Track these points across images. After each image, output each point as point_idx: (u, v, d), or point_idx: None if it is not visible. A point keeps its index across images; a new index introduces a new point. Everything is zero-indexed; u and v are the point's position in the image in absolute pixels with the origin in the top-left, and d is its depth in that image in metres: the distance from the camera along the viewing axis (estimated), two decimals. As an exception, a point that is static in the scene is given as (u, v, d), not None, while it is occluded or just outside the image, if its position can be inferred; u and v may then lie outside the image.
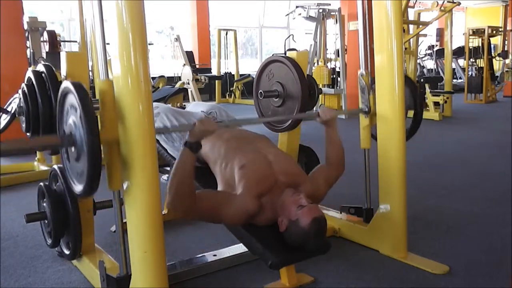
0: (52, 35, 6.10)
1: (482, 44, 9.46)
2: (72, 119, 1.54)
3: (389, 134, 2.20)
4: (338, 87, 7.42)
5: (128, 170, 1.50)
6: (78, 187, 1.59)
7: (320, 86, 4.16)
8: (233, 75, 10.41)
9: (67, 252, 2.10)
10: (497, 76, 10.73)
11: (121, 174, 1.53)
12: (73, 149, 1.55)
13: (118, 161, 1.53)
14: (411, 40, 7.34)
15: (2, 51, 4.49)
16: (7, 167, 4.06)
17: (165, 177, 2.72)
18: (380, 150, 2.24)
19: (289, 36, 9.51)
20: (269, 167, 1.89)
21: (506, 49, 11.87)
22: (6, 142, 1.44)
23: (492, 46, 10.37)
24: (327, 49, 7.94)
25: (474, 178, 3.68)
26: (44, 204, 2.05)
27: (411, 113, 2.52)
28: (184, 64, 8.35)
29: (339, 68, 7.53)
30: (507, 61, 10.65)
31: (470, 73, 9.60)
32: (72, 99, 1.53)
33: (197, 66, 9.80)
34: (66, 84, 1.56)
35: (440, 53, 10.79)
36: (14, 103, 2.66)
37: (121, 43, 1.42)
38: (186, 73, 8.26)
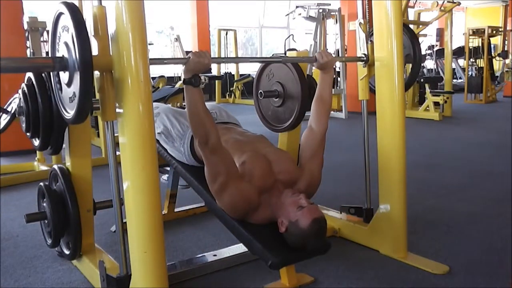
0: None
1: (482, 44, 9.46)
2: (64, 41, 1.47)
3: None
4: (338, 87, 7.42)
5: (128, 169, 1.49)
6: (69, 113, 1.54)
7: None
8: (233, 75, 10.41)
9: (67, 252, 2.10)
10: (497, 76, 10.73)
11: (115, 104, 1.50)
12: (64, 74, 1.50)
13: (112, 89, 1.50)
14: (411, 40, 7.33)
15: (2, 51, 4.48)
16: (7, 167, 4.07)
17: (165, 177, 2.72)
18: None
19: (289, 36, 9.52)
20: (268, 167, 1.89)
21: (506, 49, 11.85)
22: (3, 58, 1.39)
23: (492, 46, 10.37)
24: (327, 49, 7.94)
25: (474, 178, 3.68)
26: (44, 204, 2.05)
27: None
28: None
29: (339, 68, 7.53)
30: (507, 61, 10.63)
31: (470, 73, 9.61)
32: (65, 19, 1.46)
33: (197, 66, 9.78)
34: (58, 6, 1.49)
35: (440, 53, 10.80)
36: (14, 103, 2.66)
37: (121, 43, 1.42)
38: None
